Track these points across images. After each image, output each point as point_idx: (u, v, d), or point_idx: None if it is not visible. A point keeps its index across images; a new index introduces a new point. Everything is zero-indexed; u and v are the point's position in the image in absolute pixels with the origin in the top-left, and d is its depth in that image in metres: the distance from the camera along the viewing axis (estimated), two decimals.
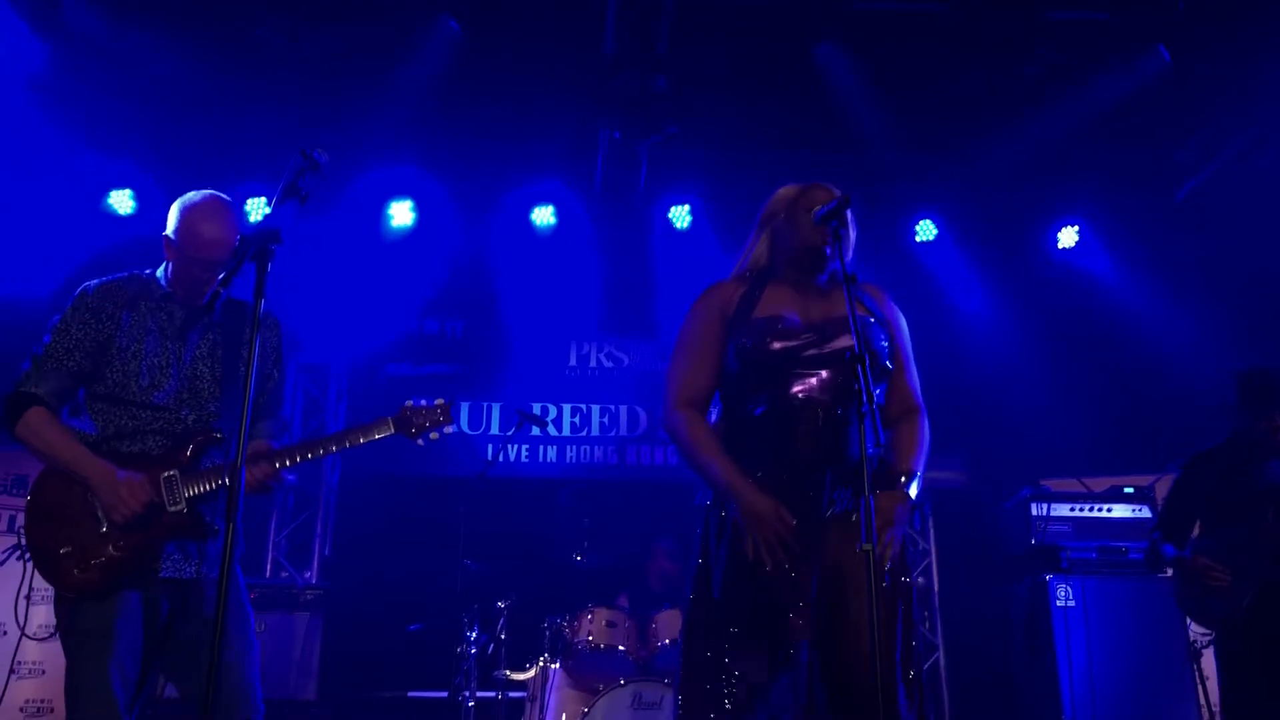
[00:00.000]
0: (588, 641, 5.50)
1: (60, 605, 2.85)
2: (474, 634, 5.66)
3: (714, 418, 3.04)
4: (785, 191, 3.12)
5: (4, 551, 5.82)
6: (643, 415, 7.83)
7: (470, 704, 5.61)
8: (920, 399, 3.08)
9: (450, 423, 3.25)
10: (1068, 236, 7.43)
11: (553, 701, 5.52)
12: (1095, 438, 6.95)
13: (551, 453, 7.72)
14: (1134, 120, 6.46)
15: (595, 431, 7.81)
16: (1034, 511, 6.15)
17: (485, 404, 7.73)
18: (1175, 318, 7.03)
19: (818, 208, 2.91)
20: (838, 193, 3.01)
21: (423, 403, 3.22)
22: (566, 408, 7.83)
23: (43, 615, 5.29)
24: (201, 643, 2.83)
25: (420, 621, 6.10)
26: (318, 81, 6.29)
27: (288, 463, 3.00)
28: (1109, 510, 6.12)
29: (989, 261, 7.57)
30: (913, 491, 2.85)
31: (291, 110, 6.43)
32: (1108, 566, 5.95)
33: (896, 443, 2.99)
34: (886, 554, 2.71)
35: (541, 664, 5.67)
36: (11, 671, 5.05)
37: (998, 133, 6.65)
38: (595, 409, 7.86)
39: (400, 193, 7.17)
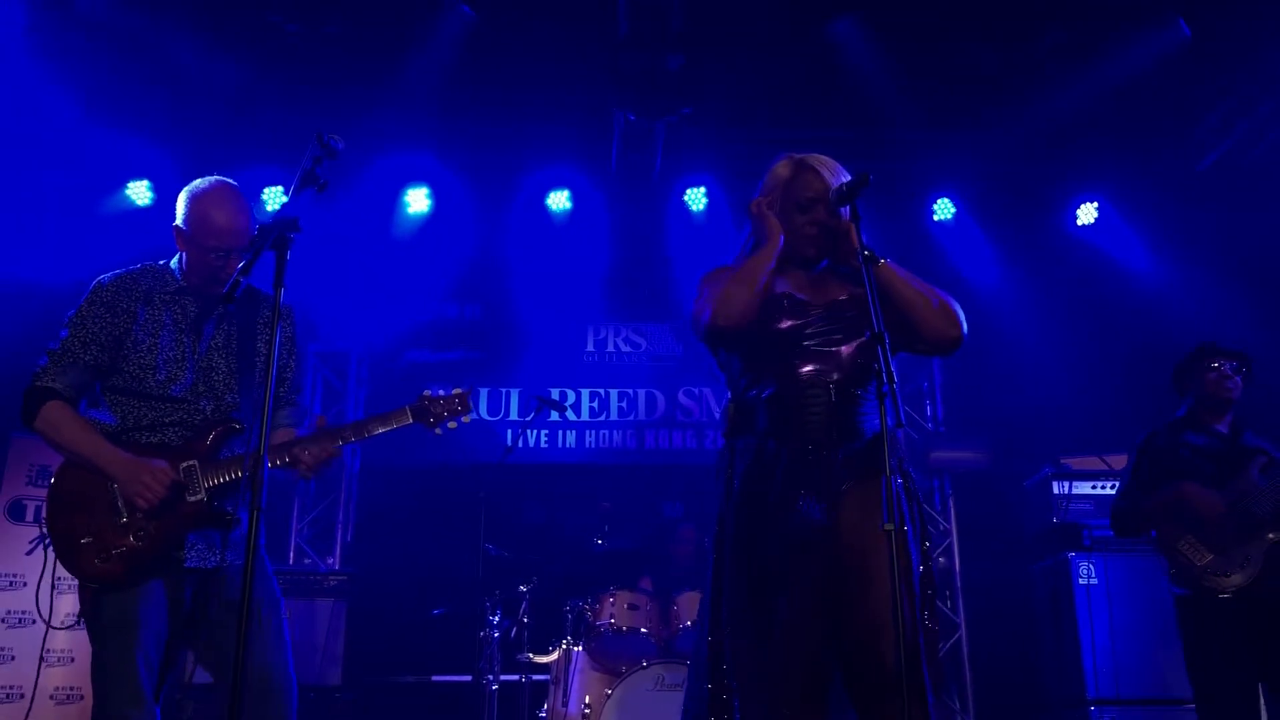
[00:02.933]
0: (610, 624, 5.52)
1: (83, 595, 2.87)
2: (496, 618, 5.69)
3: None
4: (779, 171, 3.04)
5: (31, 541, 5.91)
6: (660, 399, 7.83)
7: (494, 687, 5.64)
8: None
9: (469, 411, 3.24)
10: (1087, 213, 7.38)
11: (576, 683, 5.55)
12: (1116, 415, 6.89)
13: (570, 438, 7.74)
14: (1153, 93, 6.40)
15: (614, 416, 7.82)
16: (1055, 490, 6.14)
17: (504, 390, 7.75)
18: (1197, 292, 6.96)
19: (822, 216, 2.89)
20: (826, 174, 2.95)
21: (440, 392, 3.21)
22: (585, 392, 7.84)
23: (70, 604, 5.38)
24: (230, 628, 2.85)
25: (443, 606, 6.13)
26: (331, 69, 6.29)
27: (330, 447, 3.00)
28: None
29: (1007, 240, 7.52)
30: None
31: (305, 97, 6.43)
32: (1130, 544, 5.91)
33: None
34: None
35: (564, 647, 5.69)
36: (41, 660, 5.11)
37: (1015, 109, 6.59)
38: (613, 393, 7.87)
39: (416, 179, 7.18)
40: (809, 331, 2.84)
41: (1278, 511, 4.23)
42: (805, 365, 2.80)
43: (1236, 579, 4.22)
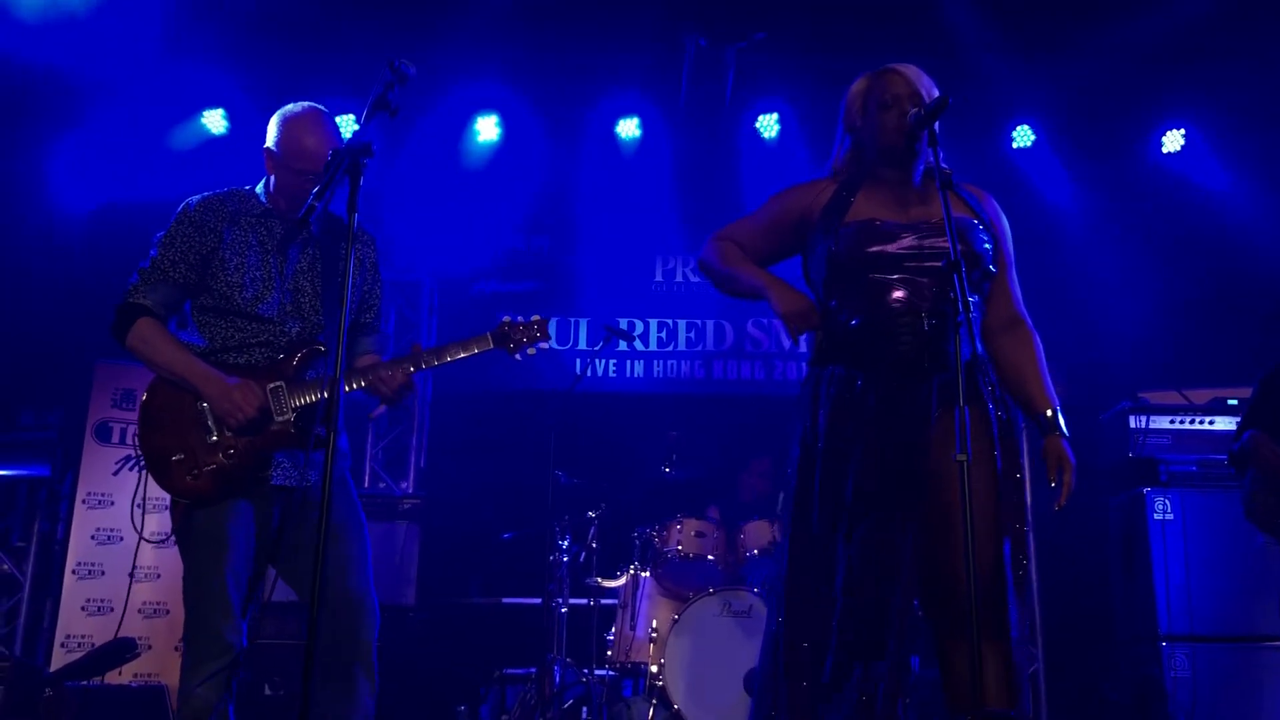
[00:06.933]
0: (677, 551, 5.59)
1: (175, 511, 2.95)
2: (566, 543, 5.78)
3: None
4: (857, 87, 2.98)
5: (118, 462, 6.11)
6: (729, 330, 7.80)
7: (563, 610, 5.75)
8: (1024, 308, 2.99)
9: (547, 338, 3.27)
10: (1172, 140, 7.14)
11: (644, 608, 5.64)
12: (1198, 349, 6.74)
13: (639, 367, 7.75)
14: (1244, 14, 6.13)
15: (682, 346, 7.81)
16: (1132, 424, 6.01)
17: (572, 319, 7.77)
18: None
19: (909, 108, 2.78)
20: (910, 75, 2.87)
21: (520, 319, 3.25)
22: (653, 323, 7.83)
23: (156, 523, 5.58)
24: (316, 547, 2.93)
25: (513, 531, 6.23)
26: None
27: (405, 372, 3.05)
28: (1211, 422, 5.93)
29: (1089, 167, 7.30)
30: (1064, 425, 2.86)
31: (374, 25, 6.40)
32: (1208, 479, 5.79)
33: (1015, 361, 2.91)
34: (1066, 493, 2.81)
35: (632, 572, 5.78)
36: (129, 575, 5.31)
37: (1099, 33, 6.35)
38: (681, 324, 7.84)
39: (486, 107, 7.16)
40: (900, 255, 2.76)
41: None
42: (896, 291, 2.74)
43: None
